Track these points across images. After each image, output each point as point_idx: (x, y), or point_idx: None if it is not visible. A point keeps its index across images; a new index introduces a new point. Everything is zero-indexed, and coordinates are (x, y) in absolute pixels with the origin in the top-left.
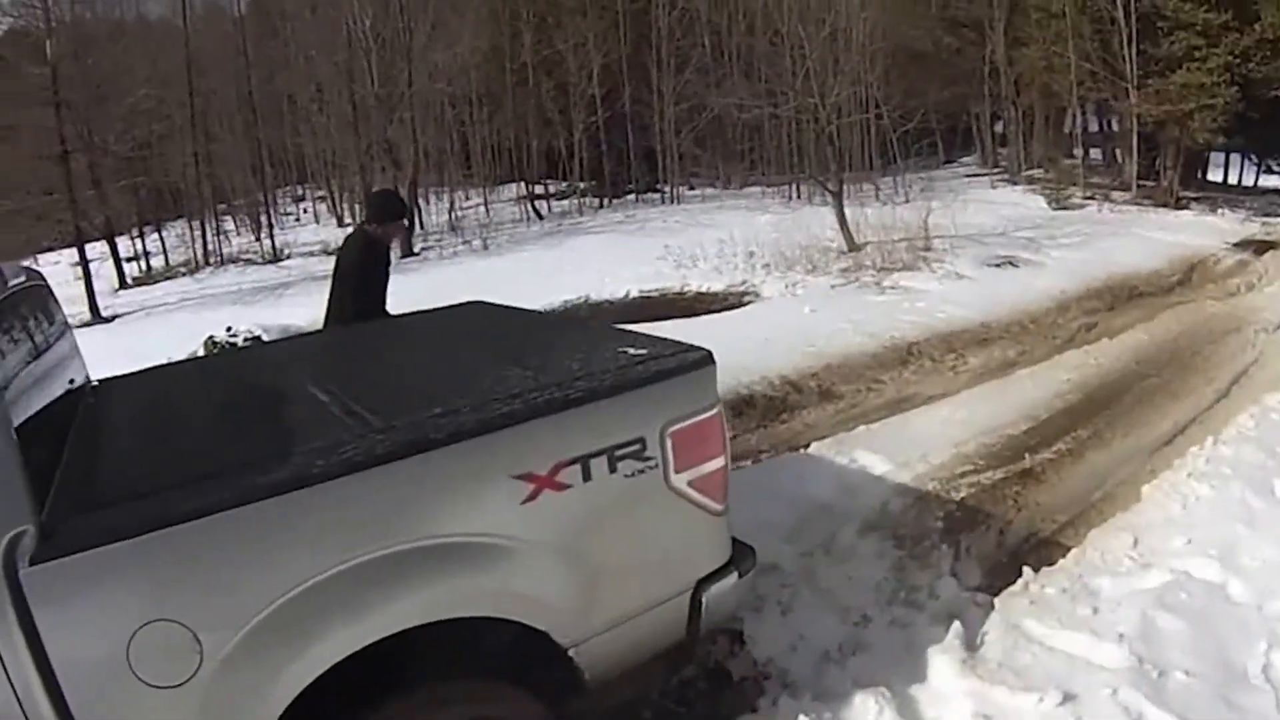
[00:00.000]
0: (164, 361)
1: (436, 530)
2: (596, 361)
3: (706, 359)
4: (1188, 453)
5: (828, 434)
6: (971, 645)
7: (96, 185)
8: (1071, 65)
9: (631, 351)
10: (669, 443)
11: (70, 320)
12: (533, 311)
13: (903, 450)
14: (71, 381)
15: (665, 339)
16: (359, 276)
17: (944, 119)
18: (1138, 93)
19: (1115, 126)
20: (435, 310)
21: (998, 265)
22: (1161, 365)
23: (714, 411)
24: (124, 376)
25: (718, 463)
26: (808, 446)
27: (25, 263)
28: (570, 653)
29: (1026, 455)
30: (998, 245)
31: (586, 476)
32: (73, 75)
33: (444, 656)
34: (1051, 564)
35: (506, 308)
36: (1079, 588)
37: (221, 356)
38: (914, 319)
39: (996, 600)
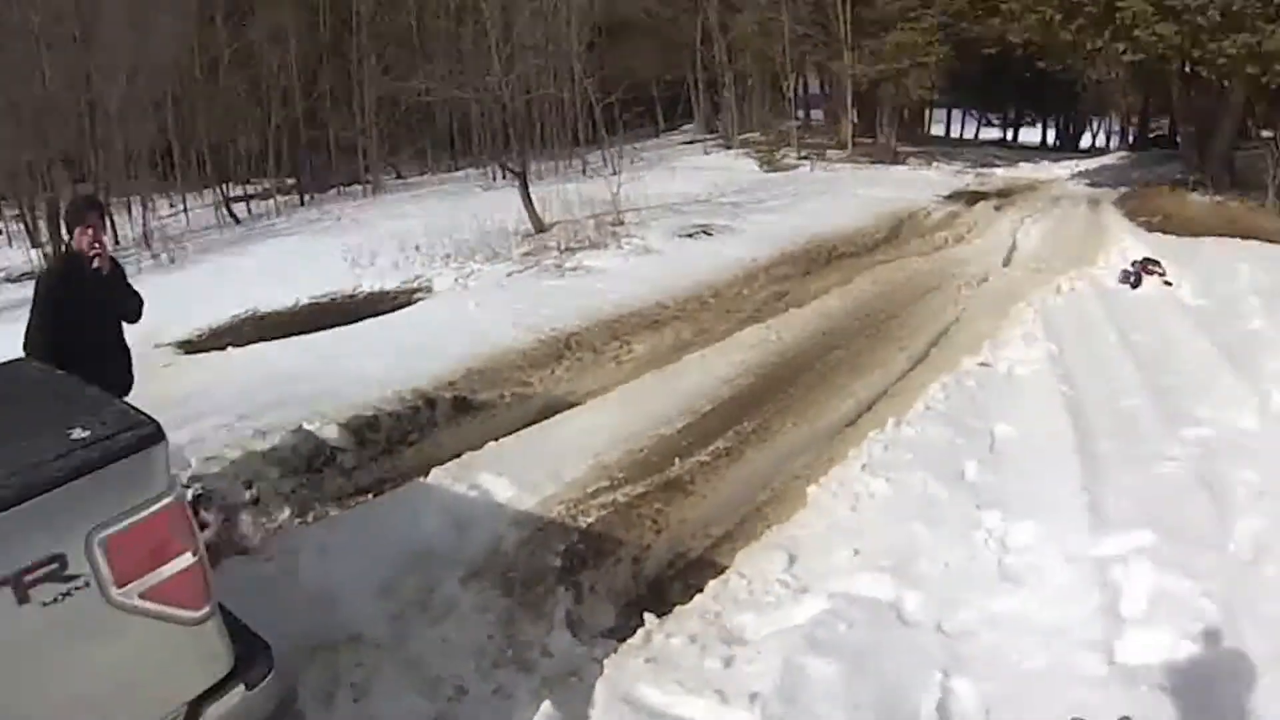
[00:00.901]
0: None
1: None
2: (23, 457)
3: (148, 438)
4: (865, 439)
5: (453, 456)
6: None
7: None
8: (785, 29)
9: (75, 436)
10: (102, 553)
11: None
12: (55, 376)
13: (532, 469)
14: None
15: (120, 408)
16: (45, 299)
17: (664, 88)
18: (852, 54)
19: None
20: None
21: (690, 235)
22: (852, 335)
23: (165, 502)
24: None
25: (182, 562)
26: (426, 475)
27: None
28: None
29: (677, 461)
30: (697, 213)
31: None
32: None
33: None
34: (685, 601)
35: (41, 371)
36: (713, 633)
37: None
38: (584, 303)
39: (608, 661)
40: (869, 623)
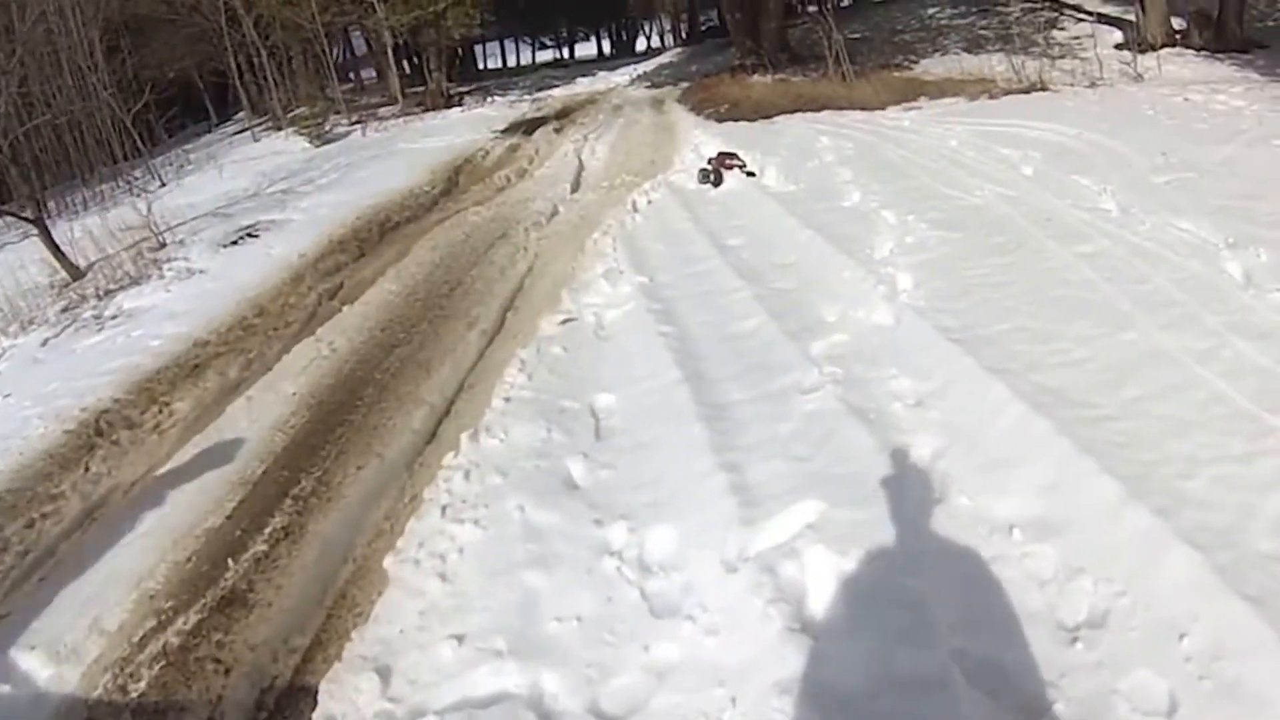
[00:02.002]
0: None
1: None
2: None
3: None
4: (440, 469)
5: None
6: None
7: None
8: None
9: None
10: None
11: None
12: None
13: (70, 626)
14: None
15: None
16: None
17: (210, 79)
18: (384, 5)
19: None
20: None
21: (235, 242)
22: (414, 322)
23: None
24: None
25: None
26: None
27: None
28: None
29: (231, 563)
30: (244, 213)
31: None
32: None
33: None
34: None
35: None
36: None
37: None
38: (121, 362)
39: None
40: None
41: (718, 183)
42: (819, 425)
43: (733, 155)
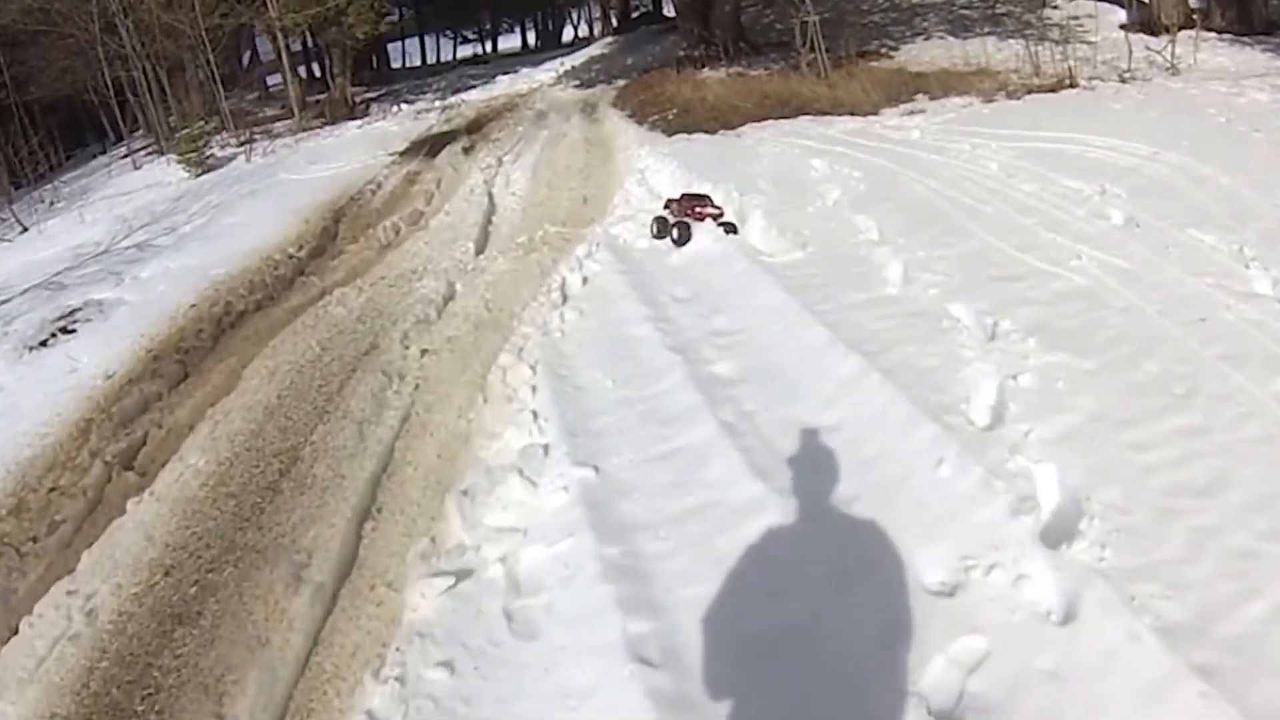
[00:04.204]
0: None
1: None
2: None
3: None
4: None
5: None
6: None
7: None
8: None
9: None
10: None
11: None
12: None
13: None
14: None
15: None
16: None
17: (102, 97)
18: (277, 5)
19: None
20: None
21: (45, 341)
22: (215, 554)
23: None
24: None
25: None
26: None
27: None
28: None
29: None
30: (81, 282)
31: None
32: None
33: None
34: None
35: None
36: None
37: None
38: None
39: None
40: None
41: (683, 240)
42: None
43: (702, 199)
